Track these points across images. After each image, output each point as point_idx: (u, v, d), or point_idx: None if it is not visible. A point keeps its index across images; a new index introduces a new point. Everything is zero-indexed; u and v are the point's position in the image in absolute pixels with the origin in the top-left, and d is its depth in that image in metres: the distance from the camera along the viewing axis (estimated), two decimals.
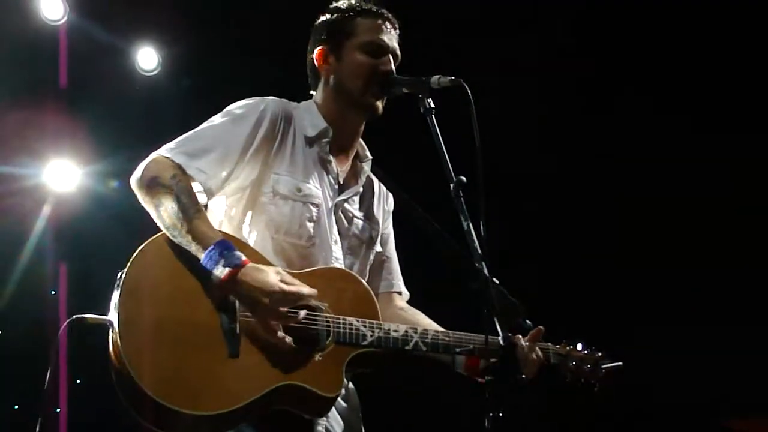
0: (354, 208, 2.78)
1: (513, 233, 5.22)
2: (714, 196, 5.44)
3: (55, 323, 5.12)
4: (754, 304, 5.32)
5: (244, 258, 2.36)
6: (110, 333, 2.31)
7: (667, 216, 5.67)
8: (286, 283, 2.37)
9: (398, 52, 2.74)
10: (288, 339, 2.37)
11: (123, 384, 2.28)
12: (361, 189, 2.81)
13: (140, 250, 2.38)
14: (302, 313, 2.41)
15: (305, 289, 2.41)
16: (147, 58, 5.71)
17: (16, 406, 5.05)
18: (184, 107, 5.33)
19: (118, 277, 2.34)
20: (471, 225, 2.29)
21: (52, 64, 5.33)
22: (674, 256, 5.57)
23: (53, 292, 5.29)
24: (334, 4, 2.80)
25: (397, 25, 2.76)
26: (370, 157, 2.84)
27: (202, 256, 2.35)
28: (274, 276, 2.36)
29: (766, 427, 5.14)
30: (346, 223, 2.74)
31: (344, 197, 2.74)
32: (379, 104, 2.71)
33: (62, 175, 5.34)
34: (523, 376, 2.20)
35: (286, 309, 2.37)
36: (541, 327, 2.71)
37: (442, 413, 5.39)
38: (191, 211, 2.40)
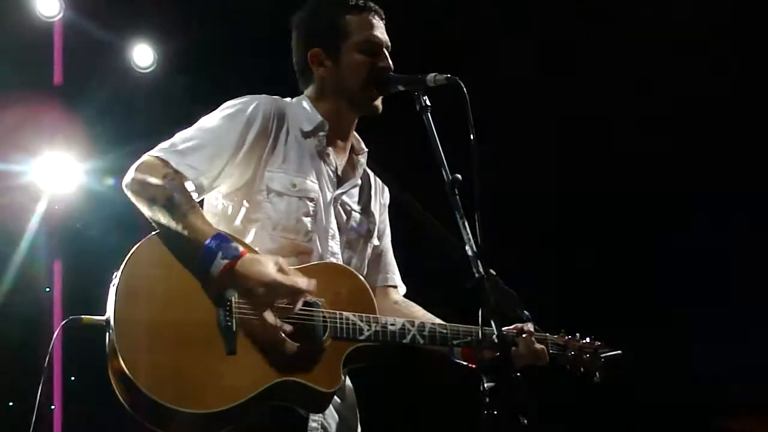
0: (352, 201, 2.78)
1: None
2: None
3: (49, 321, 5.12)
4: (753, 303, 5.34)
5: (241, 249, 2.36)
6: (107, 333, 2.30)
7: (663, 214, 5.69)
8: (284, 274, 2.36)
9: (389, 43, 2.75)
10: (285, 332, 2.37)
11: (120, 383, 2.27)
12: (359, 181, 2.81)
13: (135, 249, 2.37)
14: (298, 304, 2.40)
15: (301, 281, 2.38)
16: (143, 55, 5.70)
17: (11, 403, 5.05)
18: (179, 104, 5.32)
19: (113, 276, 2.33)
20: (466, 222, 2.30)
21: (47, 61, 5.33)
22: (673, 254, 5.59)
23: (47, 289, 5.28)
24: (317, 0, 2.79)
25: (383, 15, 2.76)
26: (366, 149, 2.85)
27: (198, 250, 2.34)
28: (272, 266, 2.35)
29: (766, 427, 5.15)
30: (344, 216, 2.74)
31: (343, 190, 2.74)
32: (379, 102, 2.72)
33: (57, 172, 5.33)
34: (518, 374, 2.20)
35: (283, 302, 2.36)
36: (531, 324, 2.71)
37: (440, 410, 5.40)
38: (185, 207, 2.39)
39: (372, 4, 2.75)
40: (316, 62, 2.75)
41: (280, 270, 2.36)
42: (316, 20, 2.77)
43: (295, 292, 2.37)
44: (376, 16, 2.74)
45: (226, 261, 2.32)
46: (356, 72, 2.69)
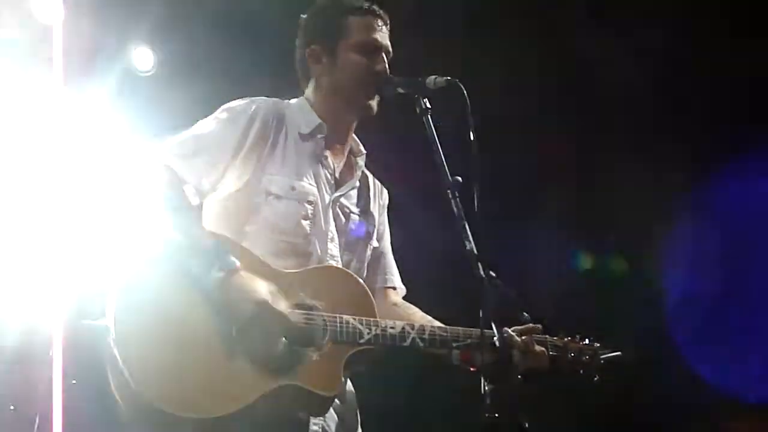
0: (351, 203, 2.78)
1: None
2: None
3: (50, 324, 5.11)
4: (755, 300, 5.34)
5: (238, 263, 2.36)
6: (107, 338, 2.30)
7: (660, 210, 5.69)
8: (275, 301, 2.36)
9: (390, 49, 2.75)
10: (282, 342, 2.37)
11: (121, 389, 2.28)
12: (357, 183, 2.81)
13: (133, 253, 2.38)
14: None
15: (288, 314, 2.38)
16: (143, 58, 5.70)
17: (12, 407, 5.05)
18: (180, 108, 5.31)
19: (113, 280, 2.33)
20: (466, 224, 2.30)
21: (47, 64, 5.32)
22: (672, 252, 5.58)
23: (47, 291, 5.27)
24: (324, 1, 2.80)
25: (388, 21, 2.77)
26: (364, 151, 2.85)
27: (195, 258, 2.35)
28: (264, 288, 2.36)
29: (766, 427, 5.15)
30: (343, 218, 2.74)
31: (341, 192, 2.74)
32: (374, 104, 2.73)
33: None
34: (520, 376, 2.20)
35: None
36: (532, 324, 2.72)
37: (440, 413, 5.40)
38: (184, 214, 2.41)
39: (377, 8, 2.76)
40: (313, 59, 2.76)
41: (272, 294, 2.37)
42: (319, 18, 2.78)
43: (281, 319, 2.37)
44: (379, 20, 2.75)
45: (222, 272, 2.33)
46: (351, 72, 2.69)
